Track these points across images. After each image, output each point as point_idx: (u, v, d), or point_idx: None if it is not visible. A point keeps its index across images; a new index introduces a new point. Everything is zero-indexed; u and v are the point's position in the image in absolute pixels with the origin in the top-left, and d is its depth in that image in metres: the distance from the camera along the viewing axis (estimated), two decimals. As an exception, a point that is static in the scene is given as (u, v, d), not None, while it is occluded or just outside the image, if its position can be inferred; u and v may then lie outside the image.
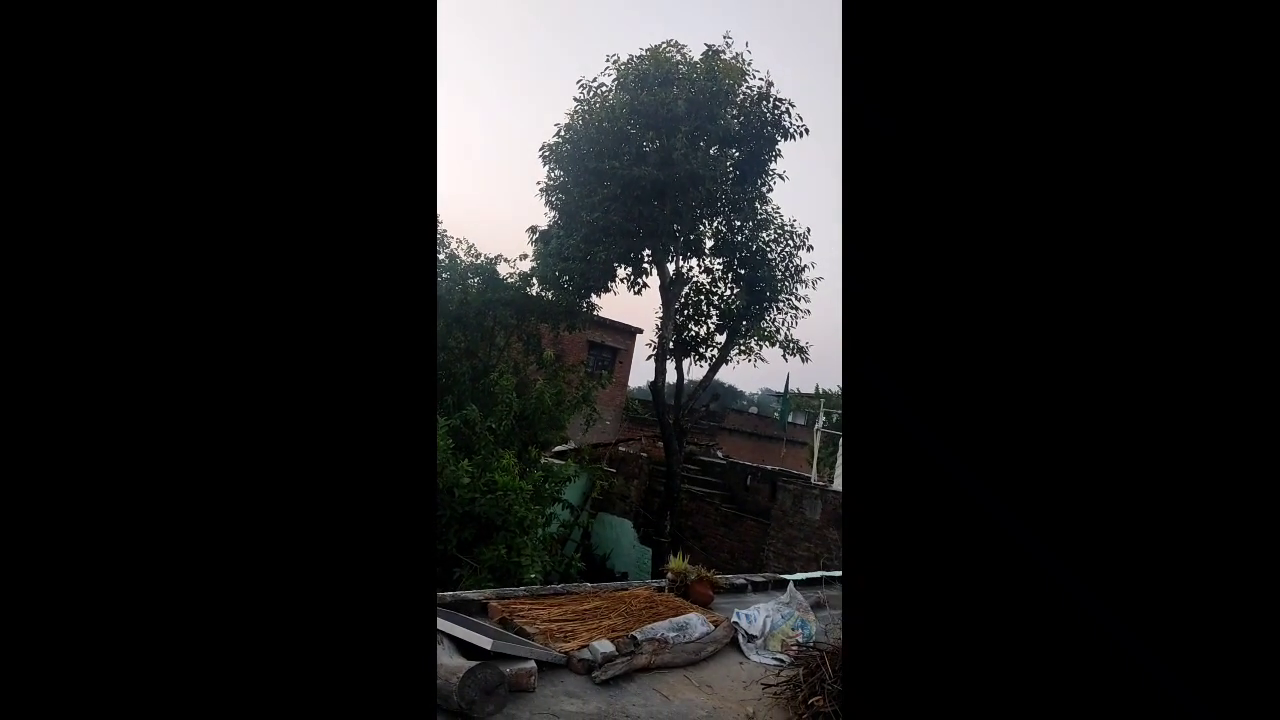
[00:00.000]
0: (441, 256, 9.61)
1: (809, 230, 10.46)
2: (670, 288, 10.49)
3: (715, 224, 10.57)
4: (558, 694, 2.38)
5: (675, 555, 4.18)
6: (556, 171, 10.25)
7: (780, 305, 10.56)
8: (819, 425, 12.97)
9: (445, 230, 9.96)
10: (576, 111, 10.02)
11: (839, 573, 5.78)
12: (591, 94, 9.94)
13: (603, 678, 2.57)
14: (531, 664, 2.37)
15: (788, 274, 10.42)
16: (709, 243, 10.68)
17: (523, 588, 3.78)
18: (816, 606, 3.88)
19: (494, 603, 3.17)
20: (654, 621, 3.11)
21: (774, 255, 10.38)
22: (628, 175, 9.16)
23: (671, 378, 10.94)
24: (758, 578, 4.62)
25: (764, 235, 10.39)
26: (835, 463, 10.76)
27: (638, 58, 9.72)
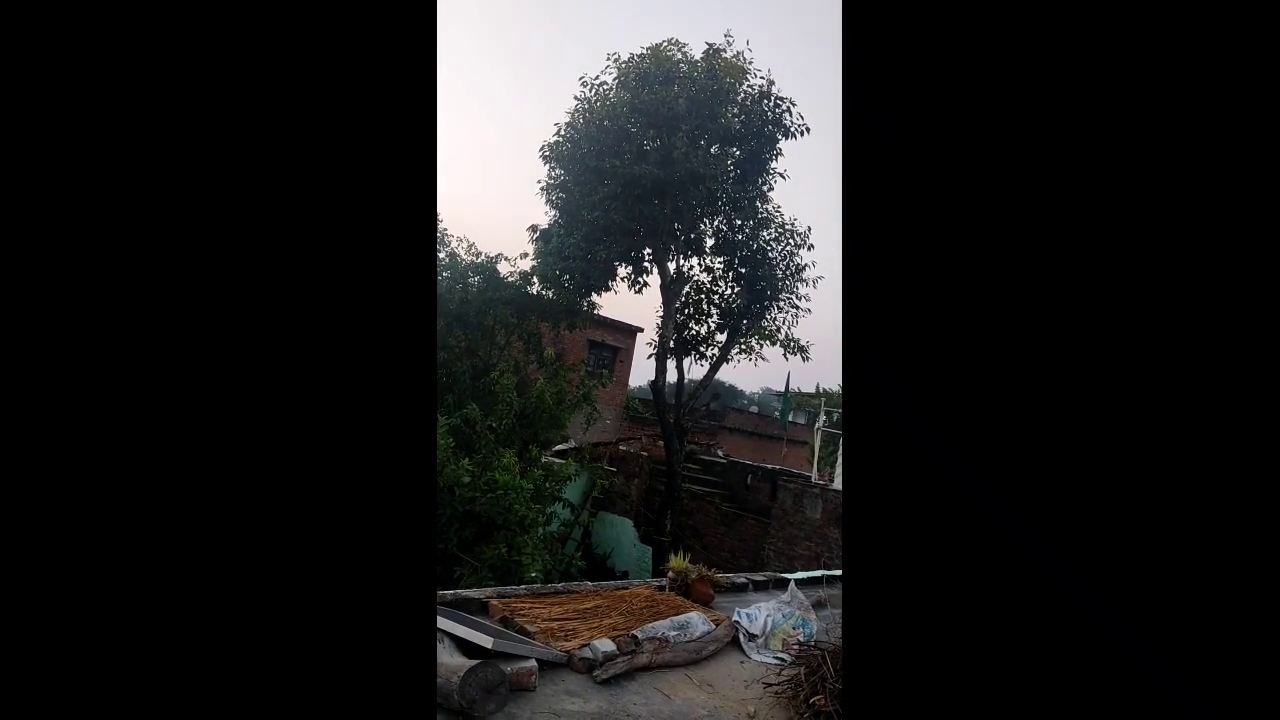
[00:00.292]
0: (442, 255, 9.61)
1: (810, 229, 10.46)
2: (671, 287, 10.48)
3: (716, 223, 10.57)
4: (559, 693, 2.38)
5: (676, 554, 4.18)
6: (557, 170, 10.25)
7: (781, 304, 10.56)
8: (819, 424, 12.96)
9: (445, 229, 9.97)
10: (577, 110, 10.01)
11: (840, 572, 5.77)
12: (592, 92, 9.93)
13: (604, 676, 2.56)
14: (532, 663, 2.37)
15: (788, 273, 10.41)
16: (710, 241, 10.67)
17: (523, 586, 3.78)
18: (817, 605, 3.87)
19: (495, 601, 3.17)
20: (655, 620, 3.10)
21: (775, 254, 10.37)
22: (628, 174, 9.15)
23: (672, 377, 10.94)
24: (759, 577, 4.62)
25: (765, 234, 10.38)
26: (836, 461, 10.76)
27: (638, 56, 9.71)
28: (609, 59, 9.85)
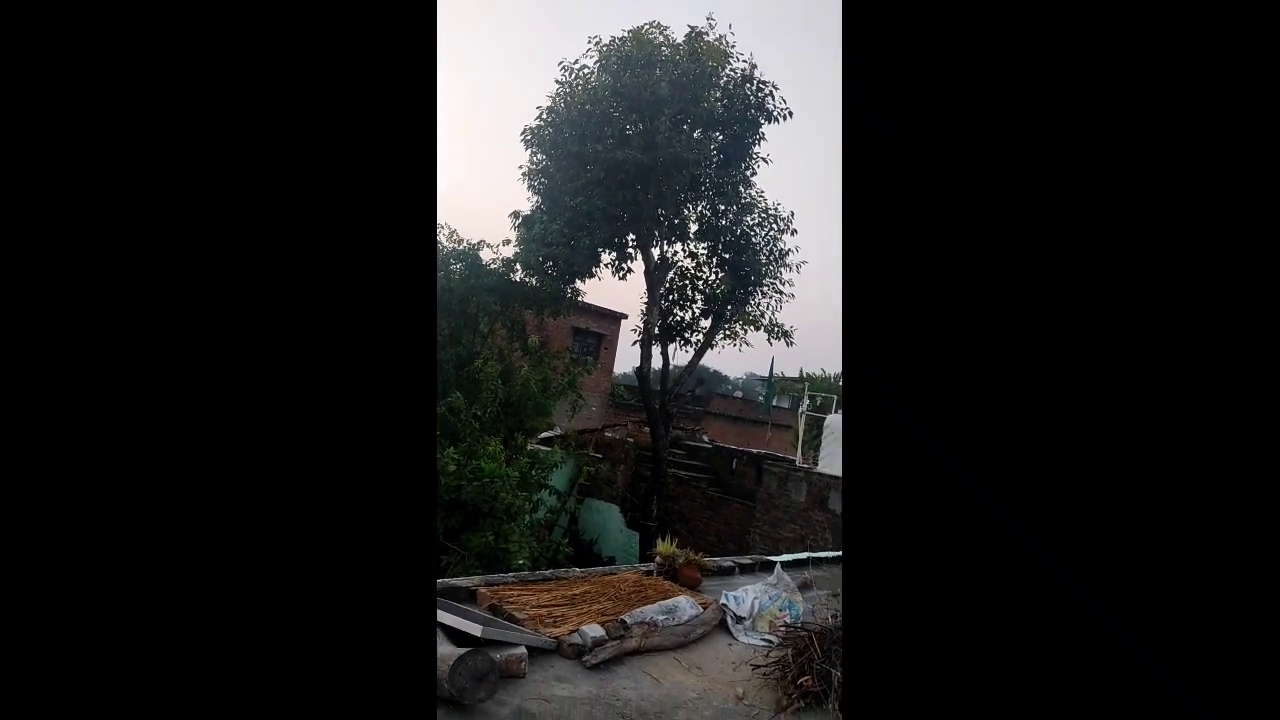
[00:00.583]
0: (422, 242, 9.48)
1: (793, 214, 10.49)
2: (655, 273, 10.46)
3: (699, 208, 10.55)
4: (548, 679, 2.38)
5: (663, 539, 4.20)
6: (539, 155, 10.14)
7: (765, 289, 10.60)
8: (803, 408, 13.07)
9: (426, 215, 9.82)
10: (558, 94, 9.90)
11: (825, 554, 5.85)
12: (573, 76, 9.82)
13: (593, 661, 2.57)
14: (522, 649, 2.38)
15: (772, 258, 10.45)
16: (693, 227, 10.66)
17: (511, 574, 3.78)
18: (803, 587, 3.92)
19: (483, 589, 3.17)
20: (643, 605, 3.12)
21: (758, 239, 10.39)
22: (611, 159, 9.08)
23: (657, 363, 10.96)
24: (745, 560, 4.66)
25: (748, 219, 10.39)
26: (819, 445, 10.86)
27: (619, 39, 9.61)
28: (590, 42, 9.75)
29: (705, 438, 14.76)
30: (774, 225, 10.40)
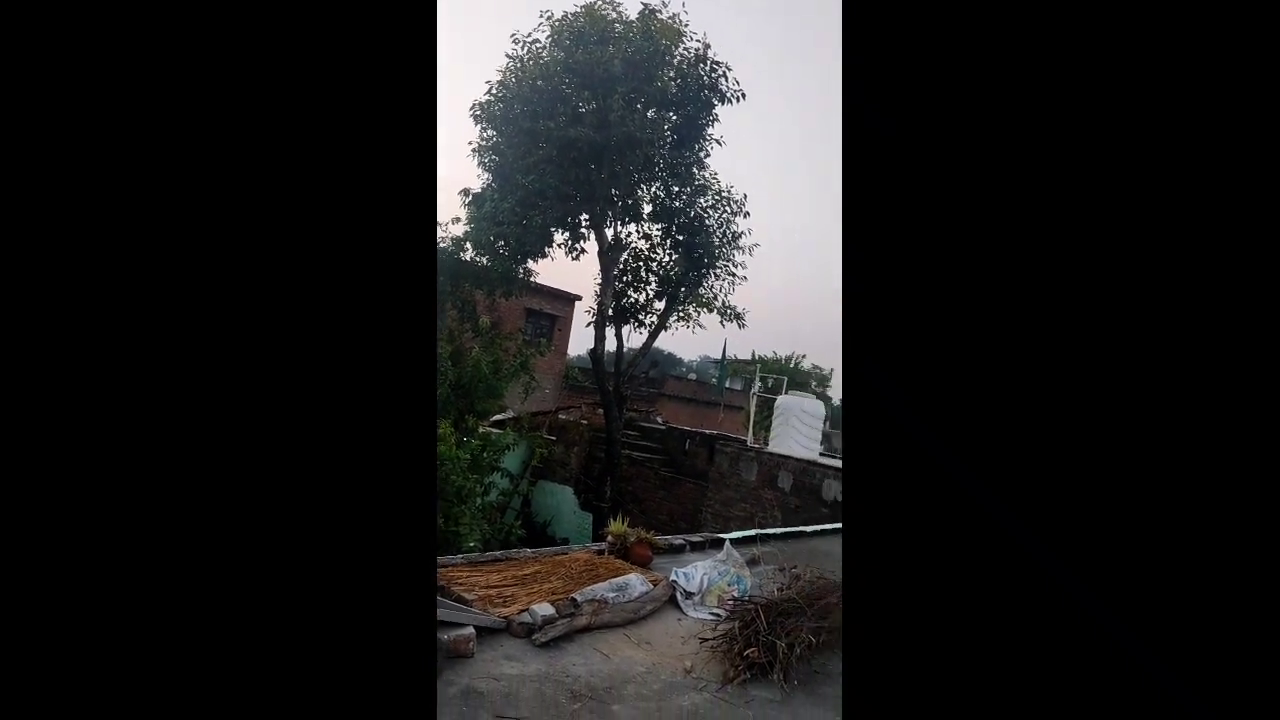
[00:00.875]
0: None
1: (745, 196, 10.55)
2: (609, 254, 10.39)
3: (653, 189, 10.50)
4: (497, 658, 2.37)
5: (615, 519, 4.21)
6: (489, 131, 9.89)
7: (718, 271, 10.66)
8: (754, 390, 13.28)
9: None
10: (509, 68, 9.65)
11: (773, 530, 5.99)
12: (525, 50, 9.59)
13: (543, 640, 2.57)
14: (470, 630, 2.35)
15: (725, 240, 10.50)
16: (647, 208, 10.61)
17: (460, 555, 3.73)
18: (751, 563, 4.00)
19: (430, 572, 3.12)
20: (594, 583, 3.13)
21: (711, 221, 10.42)
22: (563, 136, 8.93)
23: (611, 345, 10.93)
24: (695, 538, 4.72)
25: (702, 201, 10.40)
26: (769, 426, 11.06)
27: (572, 14, 9.41)
28: (542, 16, 9.52)
29: (659, 419, 14.86)
30: (727, 207, 10.45)
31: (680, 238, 10.50)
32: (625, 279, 11.06)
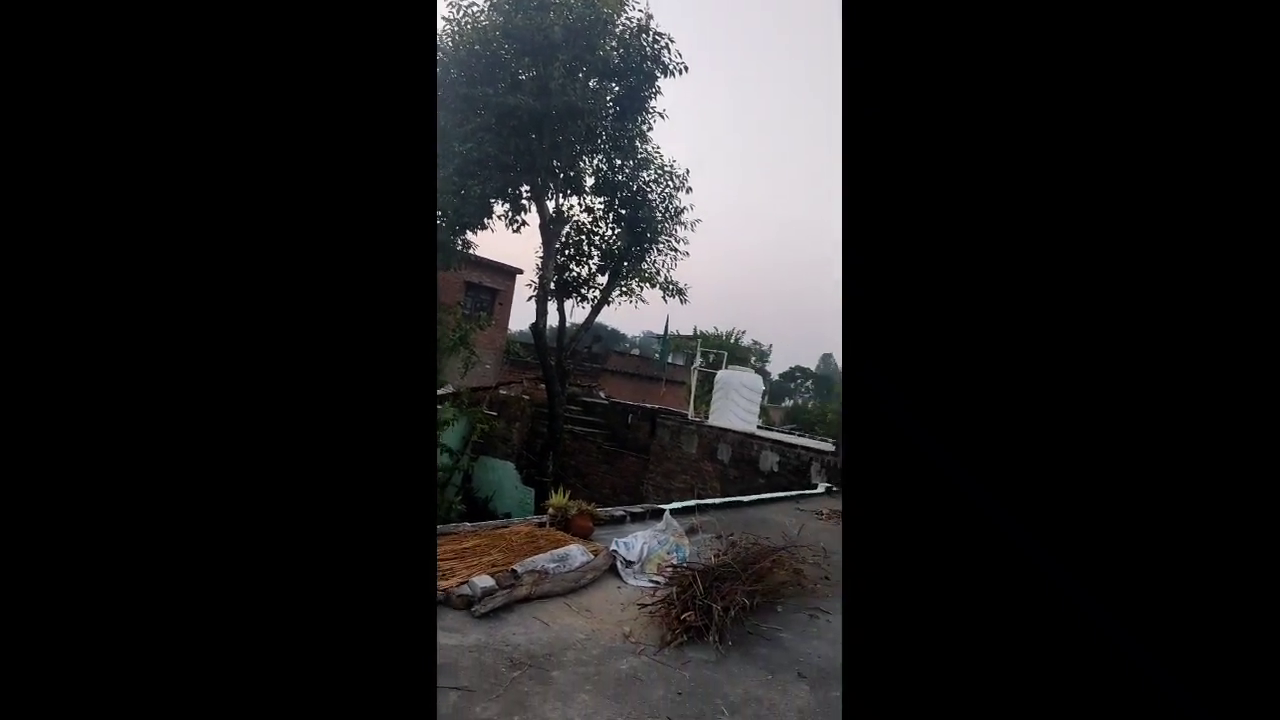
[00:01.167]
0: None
1: (688, 171, 10.56)
2: (550, 226, 10.25)
3: (595, 161, 10.37)
4: (437, 630, 2.36)
5: (556, 493, 4.23)
6: (424, 97, 9.50)
7: (660, 246, 10.67)
8: (696, 364, 13.46)
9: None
10: (445, 31, 9.27)
11: (711, 500, 6.13)
12: (461, 13, 9.22)
13: (482, 611, 2.58)
14: (407, 604, 2.33)
15: (668, 215, 10.50)
16: (589, 181, 10.48)
17: (398, 532, 3.67)
18: (690, 532, 4.11)
19: (366, 548, 3.07)
20: (534, 555, 3.15)
21: (654, 196, 10.39)
22: (503, 104, 8.68)
23: (553, 319, 10.83)
24: (636, 509, 4.80)
25: (644, 175, 10.34)
26: (709, 400, 11.26)
27: (511, -24, 9.09)
28: (479, -23, 9.16)
29: (601, 394, 14.88)
30: (670, 182, 10.44)
31: (623, 211, 10.43)
32: (568, 253, 10.94)
